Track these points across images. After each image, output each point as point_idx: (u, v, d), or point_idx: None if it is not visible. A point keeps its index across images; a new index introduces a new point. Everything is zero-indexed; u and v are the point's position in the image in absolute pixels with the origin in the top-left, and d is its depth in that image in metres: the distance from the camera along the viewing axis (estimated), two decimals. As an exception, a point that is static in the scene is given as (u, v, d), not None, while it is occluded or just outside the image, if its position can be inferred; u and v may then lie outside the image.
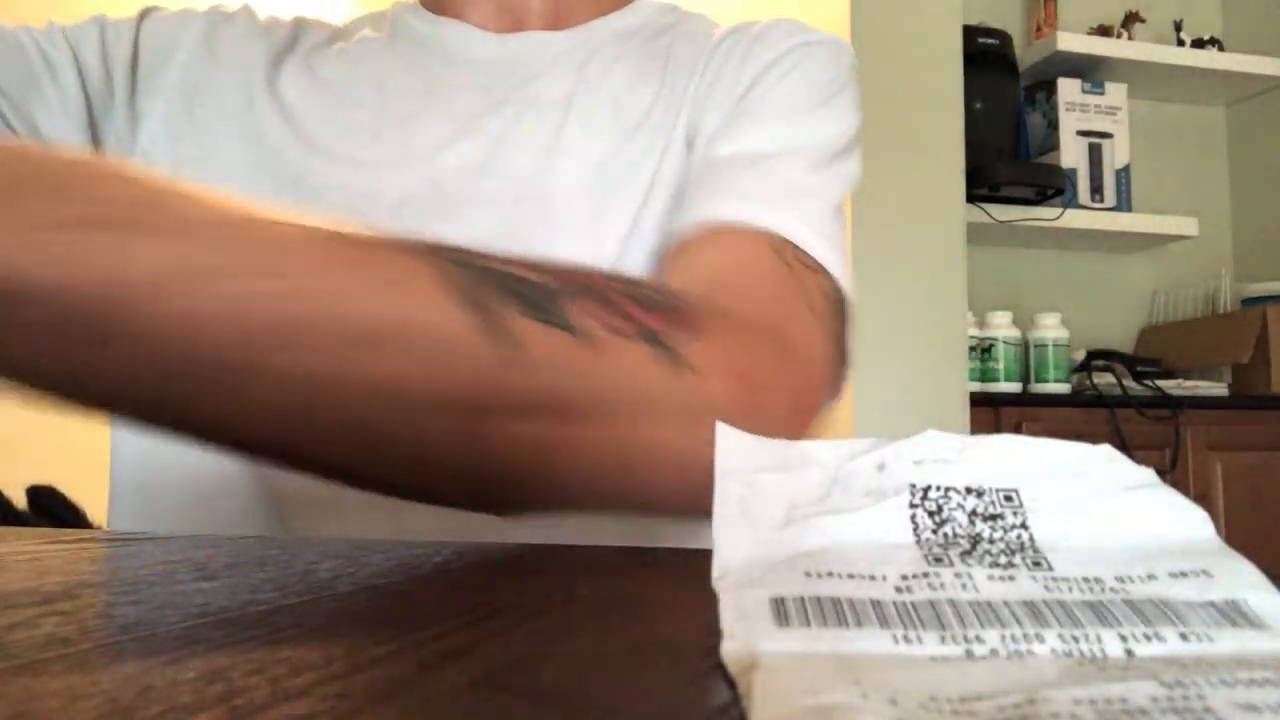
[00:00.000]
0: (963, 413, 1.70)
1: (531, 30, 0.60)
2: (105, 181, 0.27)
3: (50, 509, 0.87)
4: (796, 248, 0.46)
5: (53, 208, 0.25)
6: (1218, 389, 2.04)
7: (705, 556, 0.19)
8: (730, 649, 0.16)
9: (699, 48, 0.58)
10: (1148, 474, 0.21)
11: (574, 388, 0.31)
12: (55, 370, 0.26)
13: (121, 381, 0.26)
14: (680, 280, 0.42)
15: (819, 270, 0.46)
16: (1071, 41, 2.20)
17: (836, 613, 0.17)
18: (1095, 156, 2.26)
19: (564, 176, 0.53)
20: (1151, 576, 0.18)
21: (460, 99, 0.56)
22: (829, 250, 0.47)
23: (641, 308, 0.34)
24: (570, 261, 0.35)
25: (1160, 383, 1.96)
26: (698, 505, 0.22)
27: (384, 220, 0.50)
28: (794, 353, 0.40)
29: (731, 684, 0.15)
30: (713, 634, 0.16)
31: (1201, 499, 1.85)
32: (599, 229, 0.52)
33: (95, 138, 0.56)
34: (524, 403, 0.30)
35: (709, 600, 0.18)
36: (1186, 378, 2.09)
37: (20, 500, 0.87)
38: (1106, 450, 0.21)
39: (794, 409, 0.39)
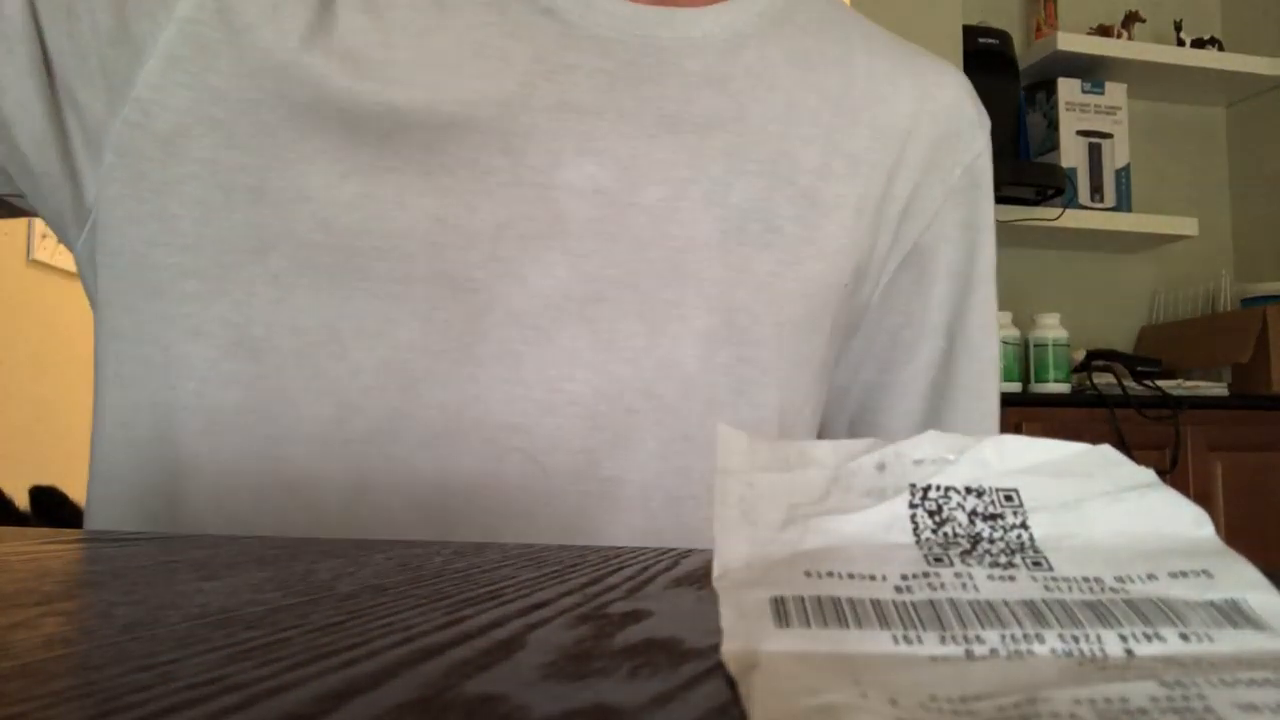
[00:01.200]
0: (963, 413, 1.70)
1: (648, 3, 0.48)
2: None
3: (51, 509, 0.87)
4: None
5: None
6: (1218, 389, 2.04)
7: (705, 556, 0.19)
8: (730, 649, 0.16)
9: (880, 121, 0.51)
10: (1148, 474, 0.21)
11: None
12: None
13: None
14: None
15: None
16: (1071, 41, 2.20)
17: (836, 613, 0.17)
18: (1095, 156, 2.27)
19: (697, 221, 0.46)
20: (1151, 576, 0.18)
21: (577, 87, 0.45)
22: None
23: None
24: None
25: (1160, 383, 1.96)
26: None
27: (483, 239, 0.43)
28: None
29: (731, 684, 0.15)
30: (713, 634, 0.16)
31: (1201, 499, 1.85)
32: (730, 296, 0.46)
33: (49, 74, 0.42)
34: None
35: (709, 600, 0.18)
36: (1186, 378, 2.10)
37: (22, 500, 0.88)
38: (1106, 450, 0.21)
39: None
